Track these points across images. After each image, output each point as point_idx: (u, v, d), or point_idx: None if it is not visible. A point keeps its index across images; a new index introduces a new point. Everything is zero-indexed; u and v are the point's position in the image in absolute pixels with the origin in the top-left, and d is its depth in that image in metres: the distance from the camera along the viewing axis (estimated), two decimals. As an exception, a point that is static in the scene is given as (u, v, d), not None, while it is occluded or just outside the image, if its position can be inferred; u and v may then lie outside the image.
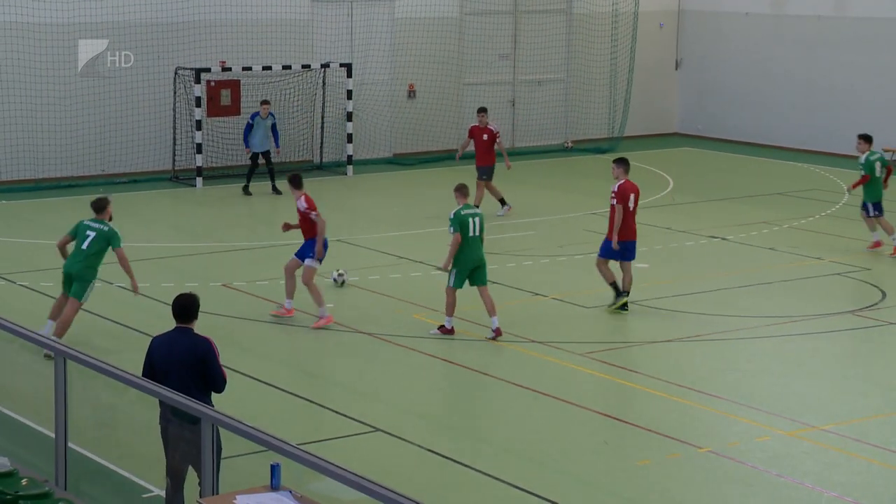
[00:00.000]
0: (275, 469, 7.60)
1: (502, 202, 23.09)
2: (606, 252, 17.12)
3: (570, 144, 31.37)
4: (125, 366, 9.36)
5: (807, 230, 22.27)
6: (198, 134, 26.14)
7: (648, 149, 31.37)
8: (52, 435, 9.60)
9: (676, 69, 33.79)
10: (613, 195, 17.04)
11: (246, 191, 24.64)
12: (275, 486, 7.59)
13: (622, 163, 17.37)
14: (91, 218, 15.01)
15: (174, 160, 26.63)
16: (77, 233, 15.00)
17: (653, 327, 16.50)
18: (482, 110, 23.49)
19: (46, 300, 17.13)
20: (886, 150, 29.25)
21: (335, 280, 18.07)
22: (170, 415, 9.10)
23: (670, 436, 12.63)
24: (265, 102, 25.29)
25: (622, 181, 17.11)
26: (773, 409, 13.42)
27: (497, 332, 15.65)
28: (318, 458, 7.30)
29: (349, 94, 27.79)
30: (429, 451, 12.20)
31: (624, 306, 16.91)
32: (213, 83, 26.85)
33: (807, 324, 16.65)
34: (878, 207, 20.16)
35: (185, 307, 9.85)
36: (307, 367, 15.01)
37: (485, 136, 22.94)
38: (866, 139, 20.35)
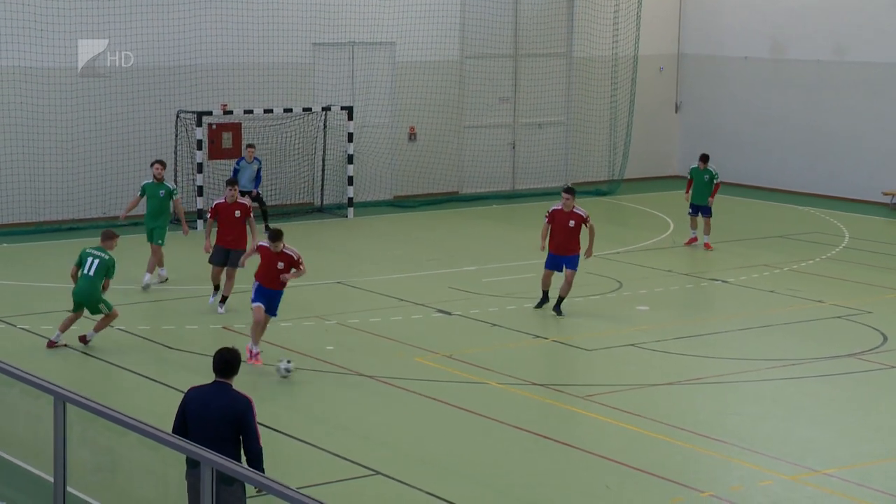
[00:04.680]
0: (276, 513, 7.54)
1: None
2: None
3: (570, 187, 31.39)
4: (125, 409, 9.32)
5: (808, 273, 22.26)
6: (199, 177, 26.20)
7: (649, 191, 31.42)
8: (51, 479, 9.54)
9: (676, 112, 33.90)
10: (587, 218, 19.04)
11: None
12: (276, 530, 7.53)
13: (573, 192, 19.27)
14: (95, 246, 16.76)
15: (175, 203, 26.59)
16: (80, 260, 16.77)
17: (654, 370, 16.46)
18: (232, 183, 19.56)
19: (46, 344, 17.11)
20: (886, 194, 29.37)
21: (280, 372, 15.72)
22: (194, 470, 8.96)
23: (672, 480, 12.56)
24: (250, 146, 25.34)
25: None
26: (775, 453, 13.36)
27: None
28: (319, 503, 7.25)
29: (350, 137, 27.86)
30: (430, 494, 12.14)
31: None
32: (214, 126, 26.92)
33: (808, 367, 16.61)
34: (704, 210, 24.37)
35: (227, 362, 9.66)
36: (307, 409, 14.95)
37: (237, 213, 19.16)
38: (704, 159, 24.91)
